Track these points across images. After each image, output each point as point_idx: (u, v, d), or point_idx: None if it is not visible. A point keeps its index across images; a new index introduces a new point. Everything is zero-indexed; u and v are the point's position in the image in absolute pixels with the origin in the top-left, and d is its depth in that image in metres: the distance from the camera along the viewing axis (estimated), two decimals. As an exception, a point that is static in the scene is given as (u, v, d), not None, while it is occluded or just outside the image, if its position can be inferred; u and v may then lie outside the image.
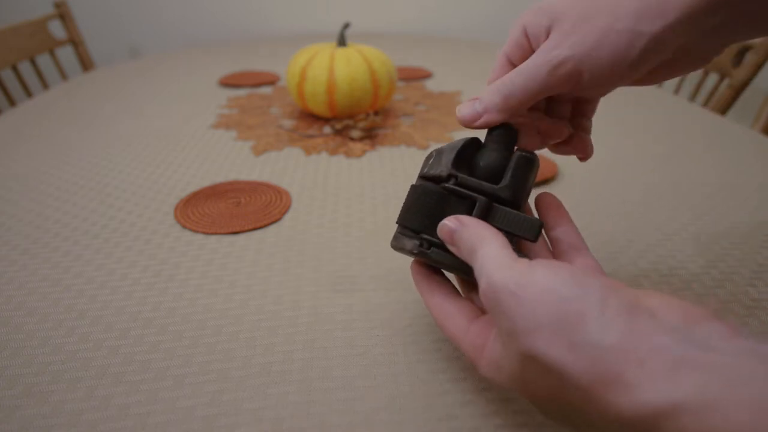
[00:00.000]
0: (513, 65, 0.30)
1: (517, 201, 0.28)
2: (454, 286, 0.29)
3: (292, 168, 0.60)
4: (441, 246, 0.28)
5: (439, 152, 0.29)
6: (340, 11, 1.71)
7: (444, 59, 1.10)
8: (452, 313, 0.27)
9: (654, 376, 0.18)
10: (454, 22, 1.74)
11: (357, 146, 0.65)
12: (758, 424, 0.15)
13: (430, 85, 0.93)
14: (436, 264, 0.28)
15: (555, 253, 0.29)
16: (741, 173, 0.57)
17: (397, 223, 0.30)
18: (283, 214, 0.50)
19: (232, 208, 0.50)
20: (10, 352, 0.33)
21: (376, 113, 0.74)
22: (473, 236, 0.25)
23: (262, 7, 1.73)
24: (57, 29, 1.15)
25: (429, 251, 0.28)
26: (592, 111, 0.33)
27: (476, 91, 0.87)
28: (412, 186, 0.30)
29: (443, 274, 0.30)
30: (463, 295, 0.30)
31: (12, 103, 1.02)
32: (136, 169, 0.59)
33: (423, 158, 0.62)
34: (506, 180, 0.28)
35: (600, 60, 0.25)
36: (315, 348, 0.33)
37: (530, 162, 0.28)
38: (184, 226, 0.47)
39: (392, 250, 0.31)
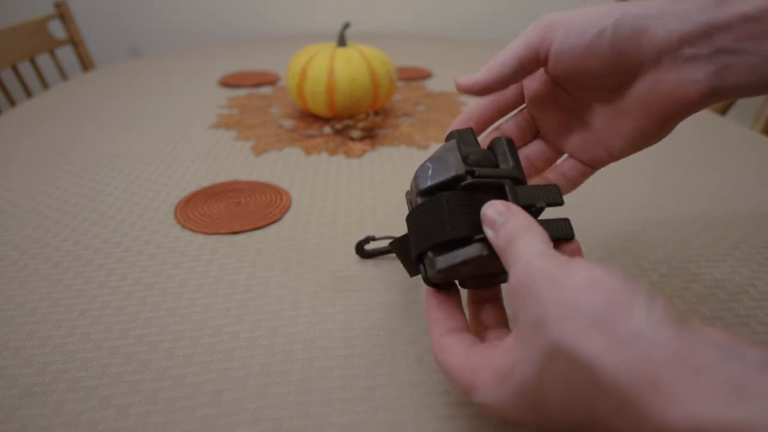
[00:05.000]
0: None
1: (524, 180, 0.28)
2: (462, 321, 0.27)
3: (292, 168, 0.60)
4: None
5: (436, 160, 0.28)
6: (340, 11, 1.71)
7: (444, 59, 1.10)
8: (451, 344, 0.25)
9: (714, 390, 0.16)
10: (454, 22, 1.74)
11: (357, 146, 0.65)
12: None
13: (430, 85, 0.93)
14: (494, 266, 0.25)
15: None
16: (741, 173, 0.57)
17: (427, 249, 0.27)
18: (283, 214, 0.50)
19: (232, 208, 0.50)
20: (10, 352, 0.33)
21: (376, 113, 0.74)
22: (517, 226, 0.23)
23: (262, 7, 1.73)
24: (57, 29, 1.15)
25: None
26: (584, 178, 0.33)
27: (476, 91, 0.87)
28: (433, 199, 0.27)
29: (457, 305, 0.28)
30: (469, 321, 0.28)
31: (12, 103, 1.02)
32: (136, 169, 0.59)
33: (423, 158, 0.62)
34: (509, 162, 0.28)
35: (576, 18, 0.27)
36: (315, 348, 0.33)
37: (514, 144, 0.29)
38: (184, 226, 0.47)
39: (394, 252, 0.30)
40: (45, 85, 1.09)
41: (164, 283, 0.40)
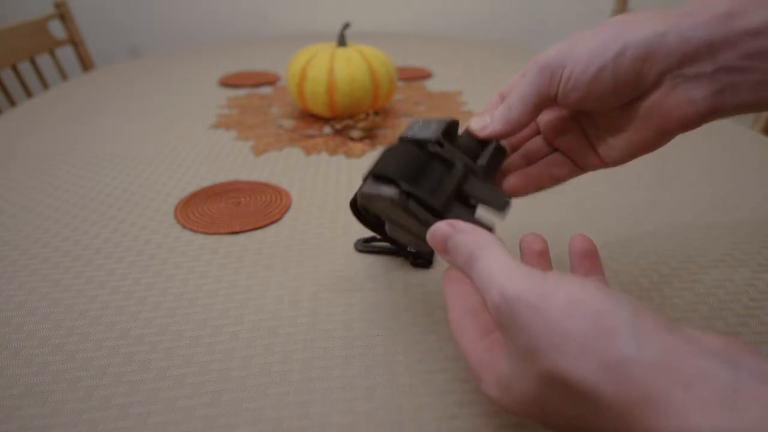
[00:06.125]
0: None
1: (487, 182, 0.30)
2: (478, 299, 0.27)
3: (292, 168, 0.60)
4: (419, 200, 0.27)
5: (426, 122, 0.31)
6: (340, 11, 1.71)
7: (444, 59, 1.10)
8: (466, 326, 0.26)
9: (706, 402, 0.16)
10: (454, 22, 1.74)
11: (357, 146, 0.65)
12: None
13: (430, 85, 0.93)
14: (410, 216, 0.27)
15: None
16: (741, 173, 0.57)
17: (370, 173, 0.29)
18: (283, 214, 0.50)
19: (232, 208, 0.50)
20: (10, 352, 0.33)
21: (376, 113, 0.74)
22: (471, 242, 0.23)
23: (262, 7, 1.73)
24: (57, 29, 1.15)
25: (408, 201, 0.27)
26: (569, 177, 0.33)
27: (476, 91, 0.88)
28: (394, 145, 0.30)
29: (471, 285, 0.28)
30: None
31: (12, 103, 1.02)
32: (136, 169, 0.59)
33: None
34: (483, 160, 0.30)
35: (579, 56, 0.27)
36: (315, 348, 0.33)
37: (503, 153, 0.32)
38: (184, 226, 0.47)
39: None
40: (45, 85, 1.09)
41: (164, 283, 0.40)
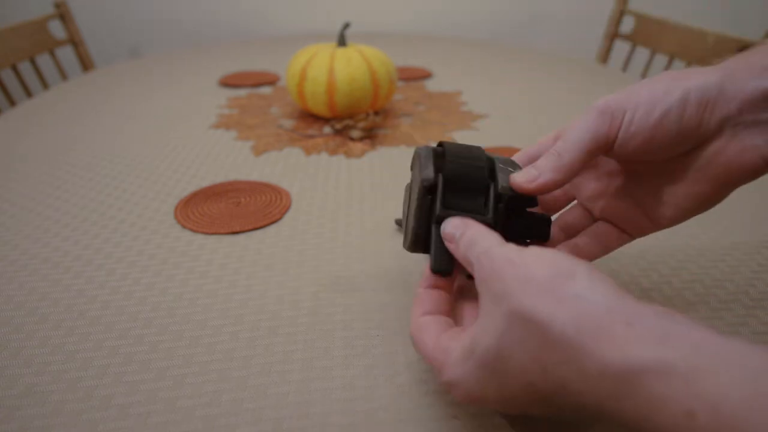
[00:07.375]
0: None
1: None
2: (445, 306, 0.28)
3: (292, 168, 0.60)
4: (431, 205, 0.29)
5: (504, 162, 0.30)
6: (340, 11, 1.70)
7: (444, 59, 1.10)
8: (428, 324, 0.27)
9: (643, 337, 0.18)
10: (454, 22, 1.74)
11: (357, 146, 0.65)
12: (747, 393, 0.16)
13: (430, 85, 0.93)
14: (415, 201, 0.29)
15: None
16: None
17: (447, 152, 0.30)
18: (283, 214, 0.50)
19: (232, 208, 0.50)
20: (10, 352, 0.33)
21: (376, 113, 0.74)
22: (475, 233, 0.26)
23: (262, 7, 1.73)
24: (57, 29, 1.15)
25: (425, 195, 0.28)
26: (620, 244, 0.32)
27: (476, 91, 0.88)
28: (487, 155, 0.30)
29: (445, 294, 0.29)
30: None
31: (12, 103, 1.02)
32: (136, 169, 0.59)
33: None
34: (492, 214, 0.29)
35: (640, 100, 0.27)
36: (315, 348, 0.33)
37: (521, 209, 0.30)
38: (184, 226, 0.47)
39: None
40: (45, 85, 1.09)
41: (164, 283, 0.40)
